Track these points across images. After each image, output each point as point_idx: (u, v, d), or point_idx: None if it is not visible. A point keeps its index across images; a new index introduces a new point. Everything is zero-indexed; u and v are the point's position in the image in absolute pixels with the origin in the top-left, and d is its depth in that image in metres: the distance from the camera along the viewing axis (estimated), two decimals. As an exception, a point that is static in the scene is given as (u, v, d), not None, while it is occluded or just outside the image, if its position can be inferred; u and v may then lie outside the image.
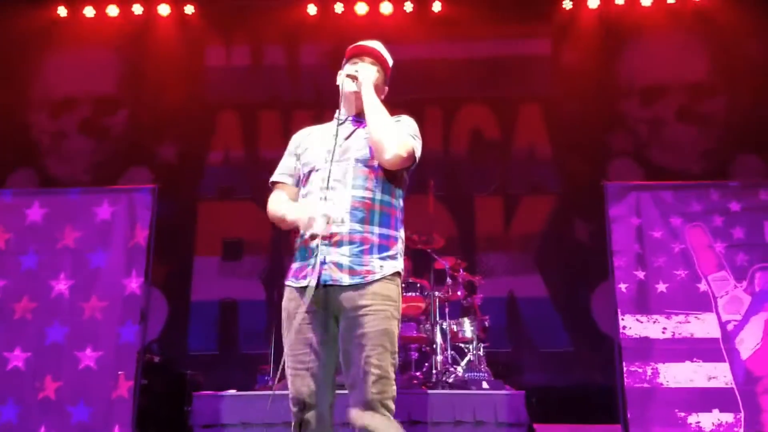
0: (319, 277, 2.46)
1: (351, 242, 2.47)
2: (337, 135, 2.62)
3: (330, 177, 2.51)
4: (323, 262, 2.46)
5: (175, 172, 6.89)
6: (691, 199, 4.93)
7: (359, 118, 2.64)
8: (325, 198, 2.49)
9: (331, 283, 2.45)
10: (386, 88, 2.76)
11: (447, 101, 7.05)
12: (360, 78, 2.60)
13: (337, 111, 2.73)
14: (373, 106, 2.56)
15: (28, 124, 7.12)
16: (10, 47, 6.94)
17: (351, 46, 2.74)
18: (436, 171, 6.20)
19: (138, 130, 7.08)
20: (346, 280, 2.45)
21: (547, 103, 7.01)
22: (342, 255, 2.46)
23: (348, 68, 2.69)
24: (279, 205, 2.60)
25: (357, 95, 2.60)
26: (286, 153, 2.75)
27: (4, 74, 7.05)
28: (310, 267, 2.48)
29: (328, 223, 2.45)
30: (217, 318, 6.74)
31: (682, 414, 4.60)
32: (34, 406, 4.64)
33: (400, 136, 2.53)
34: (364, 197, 2.50)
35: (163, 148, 7.08)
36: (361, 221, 2.48)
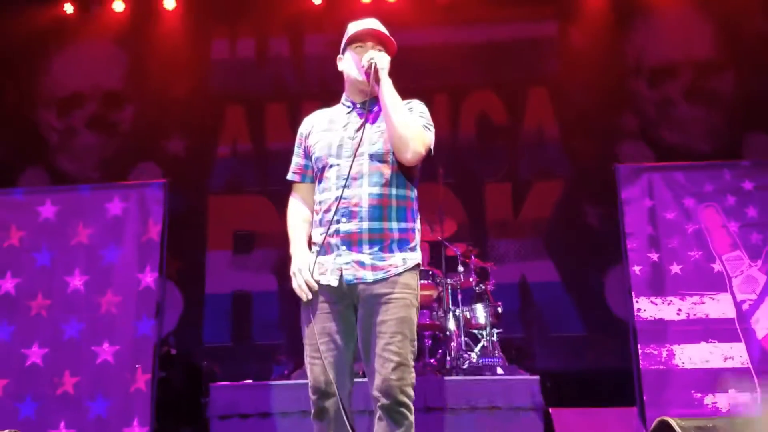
0: (340, 277, 2.48)
1: (371, 240, 2.48)
2: (346, 127, 2.59)
3: (347, 175, 2.49)
4: (346, 263, 2.48)
5: (184, 167, 6.92)
6: (704, 180, 4.89)
7: (369, 104, 2.58)
8: (342, 196, 2.48)
9: (355, 282, 2.48)
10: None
11: (454, 87, 7.02)
12: (378, 66, 2.50)
13: (343, 97, 2.70)
14: (394, 104, 2.49)
15: (36, 122, 7.16)
16: (18, 45, 6.96)
17: (353, 30, 2.64)
18: (445, 158, 6.19)
19: (146, 125, 7.10)
20: (369, 276, 2.47)
21: (555, 86, 6.97)
22: (363, 254, 2.47)
23: (355, 52, 2.59)
24: (292, 233, 2.62)
25: (366, 84, 2.53)
26: (296, 147, 2.73)
27: (12, 72, 7.09)
28: (331, 266, 2.50)
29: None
30: (230, 310, 6.78)
31: (699, 395, 4.60)
32: (53, 401, 4.68)
33: (419, 134, 2.49)
34: (381, 194, 2.49)
35: (171, 143, 7.10)
36: (380, 218, 2.49)
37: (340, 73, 2.71)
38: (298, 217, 2.66)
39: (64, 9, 6.99)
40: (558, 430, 4.55)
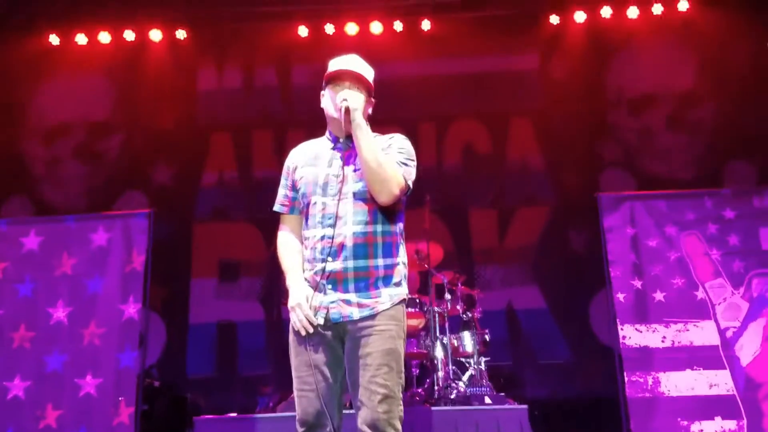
0: (327, 314, 2.48)
1: (356, 279, 2.49)
2: (331, 164, 2.60)
3: (332, 214, 2.51)
4: (332, 301, 2.49)
5: (170, 195, 6.90)
6: (685, 208, 4.97)
7: (350, 141, 2.60)
8: (327, 236, 2.49)
9: (342, 320, 2.49)
10: (372, 100, 2.70)
11: (439, 117, 7.09)
12: (351, 108, 2.50)
13: (327, 132, 2.72)
14: (367, 146, 2.48)
15: (22, 152, 7.12)
16: (3, 76, 6.95)
17: (332, 68, 2.65)
18: (431, 186, 6.22)
19: (132, 154, 7.09)
20: (356, 314, 2.48)
21: (538, 117, 7.07)
22: (349, 293, 2.49)
23: (333, 90, 2.60)
24: (286, 266, 2.61)
25: (346, 119, 2.53)
26: (282, 179, 2.74)
27: (-2, 103, 7.07)
28: (317, 305, 2.50)
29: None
30: (215, 340, 6.70)
31: (685, 422, 4.61)
32: (35, 435, 4.61)
33: (392, 176, 2.48)
34: (365, 232, 2.51)
35: (157, 172, 7.09)
36: (365, 256, 2.50)
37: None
38: (290, 249, 2.65)
39: (50, 40, 7.00)
40: (546, 459, 4.53)
